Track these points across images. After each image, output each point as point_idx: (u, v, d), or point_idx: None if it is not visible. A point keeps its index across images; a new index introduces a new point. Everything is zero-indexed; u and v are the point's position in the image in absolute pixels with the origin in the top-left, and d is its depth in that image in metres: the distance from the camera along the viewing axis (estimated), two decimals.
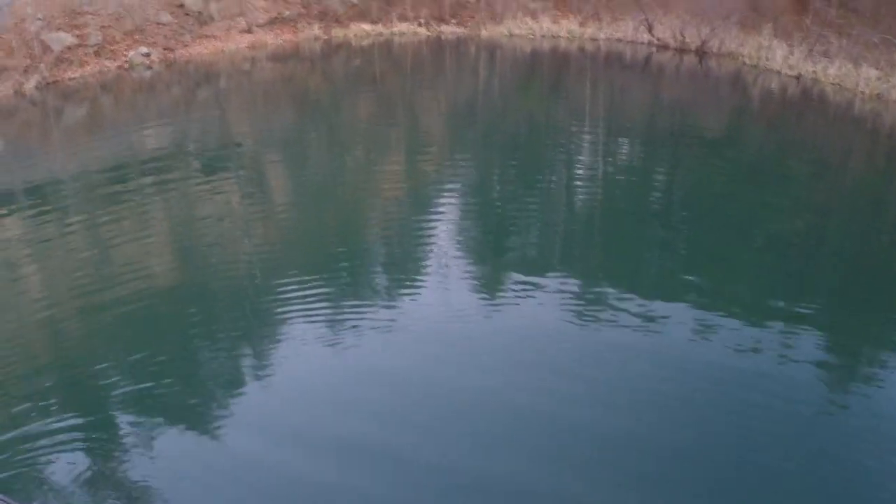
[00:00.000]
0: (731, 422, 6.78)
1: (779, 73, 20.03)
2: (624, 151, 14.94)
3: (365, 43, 25.13)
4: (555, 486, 6.09)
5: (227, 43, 23.75)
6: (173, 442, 6.99)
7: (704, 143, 14.98)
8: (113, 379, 8.02)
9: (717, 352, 7.80)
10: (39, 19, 23.33)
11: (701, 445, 6.53)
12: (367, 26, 25.62)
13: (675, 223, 11.39)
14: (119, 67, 22.08)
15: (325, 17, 25.51)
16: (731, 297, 8.91)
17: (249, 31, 24.43)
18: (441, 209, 12.20)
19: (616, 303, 8.80)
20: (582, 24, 24.90)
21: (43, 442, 6.92)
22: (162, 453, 6.81)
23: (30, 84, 21.08)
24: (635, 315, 8.50)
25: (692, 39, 22.14)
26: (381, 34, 25.55)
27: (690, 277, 9.55)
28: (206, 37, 23.67)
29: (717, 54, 21.69)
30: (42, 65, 21.83)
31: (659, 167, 13.88)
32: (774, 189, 12.00)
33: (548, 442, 6.62)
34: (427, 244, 10.89)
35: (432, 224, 11.58)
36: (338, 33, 25.17)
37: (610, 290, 9.26)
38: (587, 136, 15.71)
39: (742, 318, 8.41)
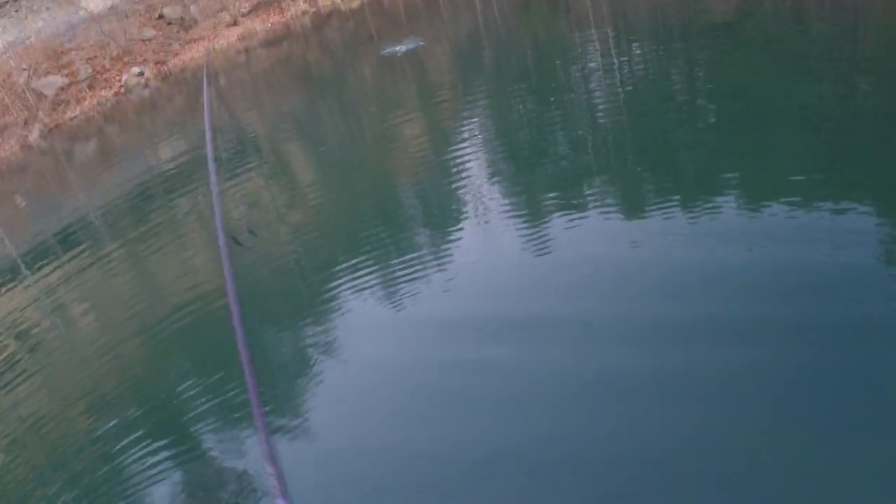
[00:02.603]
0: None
1: None
2: (639, 55, 13.57)
3: (354, 5, 23.89)
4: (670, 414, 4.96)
5: (216, 41, 22.75)
6: (249, 444, 6.40)
7: (718, 27, 13.49)
8: (186, 390, 7.57)
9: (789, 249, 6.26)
10: (25, 69, 22.63)
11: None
12: None
13: (705, 121, 10.04)
14: (116, 94, 21.30)
15: None
16: (783, 189, 7.39)
17: (235, 23, 23.40)
18: (469, 150, 11.13)
19: (664, 216, 7.53)
20: None
21: (133, 470, 6.58)
22: (244, 455, 6.30)
23: (33, 135, 20.45)
24: (687, 225, 7.22)
25: None
26: None
27: (733, 175, 8.10)
28: (194, 40, 22.72)
29: None
30: (40, 112, 21.17)
31: (676, 64, 12.50)
32: (800, 67, 10.47)
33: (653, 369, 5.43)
34: (462, 190, 9.86)
35: (464, 167, 10.53)
36: (325, 2, 23.97)
37: (655, 203, 7.99)
38: (598, 46, 14.39)
39: (798, 209, 6.93)
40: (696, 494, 4.32)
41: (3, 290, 12.57)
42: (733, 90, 10.12)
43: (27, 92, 22.21)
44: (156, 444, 6.88)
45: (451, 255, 8.34)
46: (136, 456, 6.75)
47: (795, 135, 8.22)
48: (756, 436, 4.53)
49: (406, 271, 8.13)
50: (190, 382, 7.70)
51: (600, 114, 10.83)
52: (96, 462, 6.95)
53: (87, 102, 21.25)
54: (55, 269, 12.48)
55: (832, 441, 4.40)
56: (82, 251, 12.70)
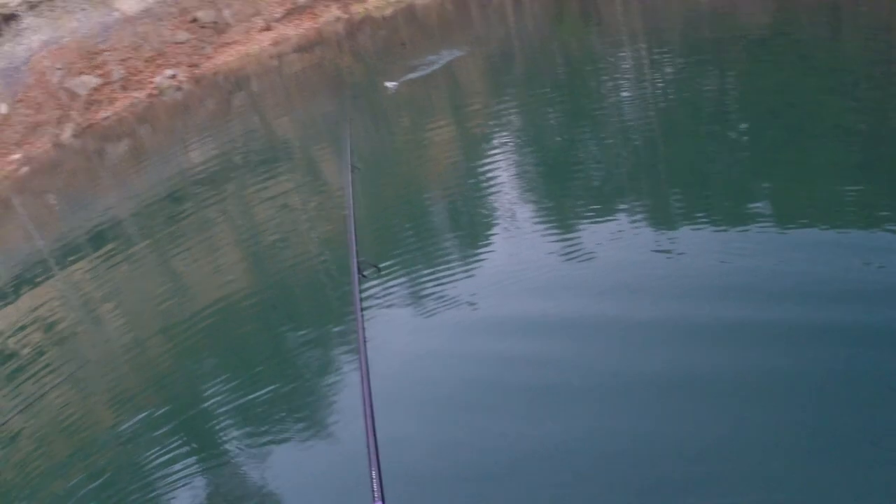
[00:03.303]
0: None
1: None
2: (670, 68, 13.35)
3: (387, 13, 23.90)
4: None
5: (249, 45, 22.83)
6: (283, 447, 6.35)
7: (751, 42, 13.24)
8: (218, 388, 7.43)
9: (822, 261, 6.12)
10: (59, 69, 22.80)
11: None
12: None
13: (736, 134, 9.78)
14: (149, 96, 21.39)
15: None
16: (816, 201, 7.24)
17: (269, 28, 23.46)
18: (500, 157, 10.98)
19: (695, 225, 7.38)
20: None
21: (158, 467, 6.47)
22: (276, 459, 6.19)
23: (66, 134, 20.57)
24: (717, 234, 7.07)
25: None
26: (401, 1, 24.27)
27: (765, 188, 7.90)
28: (227, 44, 22.80)
29: None
30: (73, 112, 21.31)
31: (708, 77, 12.26)
32: (834, 80, 10.21)
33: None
34: (496, 195, 9.72)
35: (501, 175, 10.36)
36: (358, 9, 24.00)
37: (685, 211, 7.84)
38: (630, 56, 14.21)
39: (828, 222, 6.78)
40: (737, 489, 4.35)
41: (33, 286, 12.59)
42: (766, 105, 9.89)
43: (60, 91, 22.38)
44: (182, 443, 6.81)
45: (492, 256, 8.19)
46: (160, 455, 6.67)
47: (828, 150, 8.00)
48: (797, 435, 4.56)
49: (453, 273, 8.00)
50: (218, 380, 7.59)
51: (631, 125, 10.66)
52: (120, 456, 6.91)
53: (119, 103, 21.37)
54: (84, 266, 12.49)
55: (871, 444, 4.34)
56: (111, 249, 12.69)
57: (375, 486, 1.79)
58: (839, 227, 6.50)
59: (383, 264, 8.47)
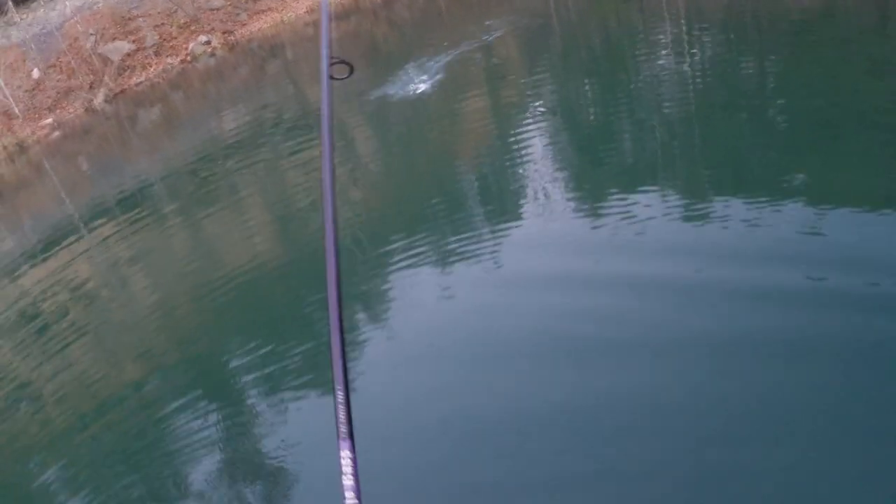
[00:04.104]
0: None
1: None
2: (710, 48, 12.71)
3: None
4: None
5: (284, 12, 22.38)
6: (300, 411, 6.14)
7: (795, 24, 12.53)
8: (240, 355, 7.26)
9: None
10: (92, 34, 22.57)
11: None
12: None
13: (773, 118, 9.27)
14: (182, 62, 21.07)
15: None
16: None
17: None
18: (532, 131, 10.52)
19: (726, 207, 6.98)
20: None
21: (179, 423, 6.37)
22: (293, 421, 6.03)
23: (98, 99, 20.36)
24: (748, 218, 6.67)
25: None
26: None
27: (798, 174, 7.47)
28: (263, 11, 22.39)
29: None
30: (106, 77, 21.09)
31: (748, 59, 11.62)
32: (877, 68, 9.56)
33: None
34: (525, 170, 9.32)
35: (527, 147, 9.95)
36: None
37: (717, 196, 7.44)
38: (669, 38, 13.55)
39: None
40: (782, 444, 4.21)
41: (63, 248, 12.39)
42: (805, 88, 9.35)
43: (93, 56, 22.17)
44: (203, 400, 6.69)
45: (522, 225, 7.87)
46: (179, 412, 6.53)
47: (865, 137, 7.53)
48: (843, 393, 4.42)
49: (483, 236, 7.71)
50: (242, 342, 7.44)
51: (667, 105, 10.15)
52: (139, 413, 6.82)
53: (152, 69, 21.10)
54: (113, 229, 12.27)
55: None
56: (141, 214, 12.47)
57: (343, 426, 1.56)
58: (871, 218, 6.16)
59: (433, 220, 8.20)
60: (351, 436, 1.59)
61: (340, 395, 1.62)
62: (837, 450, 4.06)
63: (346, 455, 1.54)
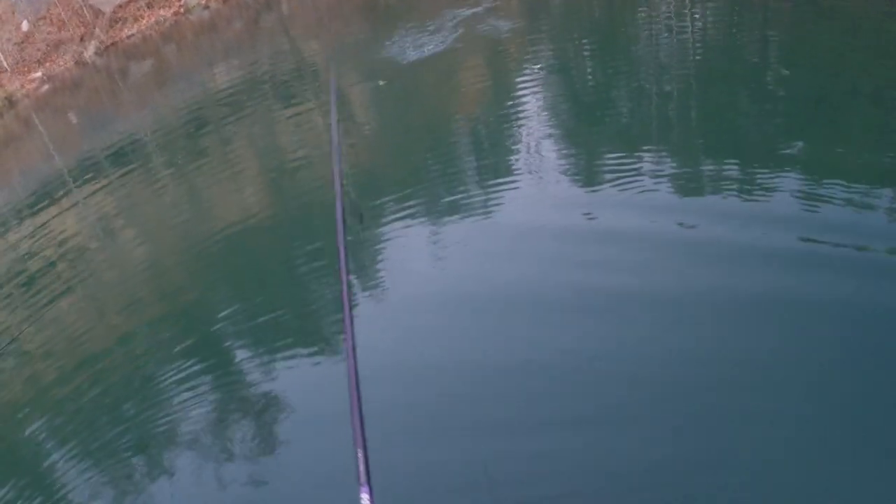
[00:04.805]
0: None
1: None
2: (714, 17, 12.35)
3: None
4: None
5: None
6: (293, 364, 6.10)
7: None
8: (230, 307, 7.22)
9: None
10: None
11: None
12: None
13: (774, 85, 9.04)
14: (175, 14, 20.57)
15: None
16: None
17: None
18: (530, 94, 10.25)
19: (720, 181, 6.84)
20: None
21: (172, 386, 6.23)
22: (283, 375, 5.98)
23: (89, 51, 19.92)
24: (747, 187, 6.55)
25: None
26: None
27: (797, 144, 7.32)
28: None
29: None
30: (97, 29, 20.61)
31: (752, 30, 11.29)
32: (884, 47, 9.26)
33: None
34: (521, 134, 9.09)
35: (524, 111, 9.70)
36: None
37: (713, 165, 7.28)
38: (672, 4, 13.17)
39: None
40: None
41: (51, 203, 12.16)
42: (808, 63, 9.12)
43: (84, 8, 21.64)
44: (188, 357, 6.55)
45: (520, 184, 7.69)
46: (166, 367, 6.46)
47: (865, 114, 7.37)
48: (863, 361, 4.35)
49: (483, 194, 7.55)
50: (232, 301, 7.34)
51: (667, 75, 9.90)
52: (126, 366, 6.76)
53: (144, 21, 20.61)
54: (103, 183, 12.03)
55: None
56: (131, 169, 12.23)
57: (362, 470, 1.63)
58: (868, 195, 5.97)
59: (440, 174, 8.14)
60: (369, 482, 1.68)
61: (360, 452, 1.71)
62: (830, 402, 4.11)
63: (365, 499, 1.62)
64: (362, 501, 1.52)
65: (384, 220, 7.70)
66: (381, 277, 6.81)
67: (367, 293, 6.61)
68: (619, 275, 5.54)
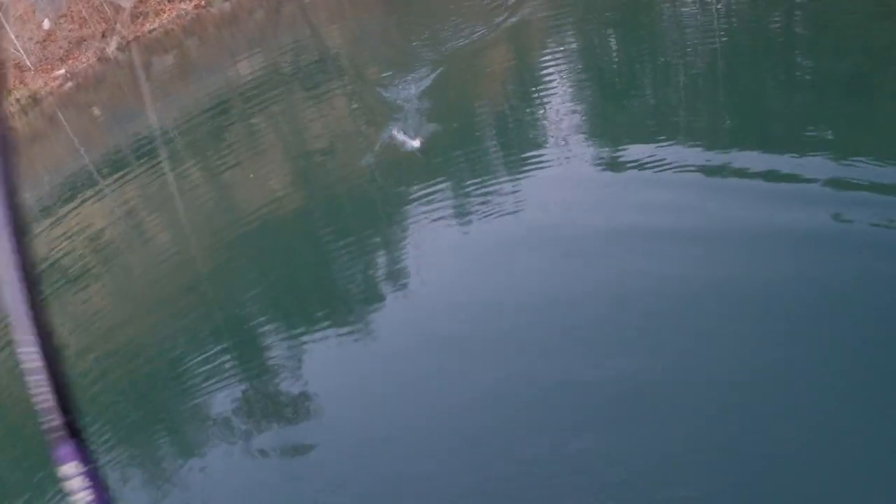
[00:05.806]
0: None
1: None
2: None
3: None
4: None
5: None
6: (317, 350, 6.14)
7: None
8: (255, 296, 7.29)
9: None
10: None
11: None
12: None
13: (798, 75, 8.74)
14: (196, 7, 20.43)
15: None
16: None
17: None
18: (550, 80, 9.97)
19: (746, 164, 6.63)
20: None
21: (198, 369, 6.34)
22: (307, 362, 6.05)
23: (111, 47, 19.84)
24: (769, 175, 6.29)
25: None
26: None
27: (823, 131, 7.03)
28: None
29: None
30: (118, 25, 20.51)
31: (776, 13, 10.91)
32: None
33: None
34: (543, 119, 8.90)
35: (546, 98, 9.46)
36: None
37: (737, 151, 6.98)
38: None
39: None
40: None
41: (78, 199, 12.05)
42: (833, 45, 8.80)
43: (105, 4, 21.55)
44: (218, 346, 6.64)
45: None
46: (194, 355, 6.55)
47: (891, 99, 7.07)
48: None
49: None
50: (254, 286, 7.41)
51: (694, 55, 9.60)
52: (157, 356, 6.86)
53: (166, 15, 20.48)
54: (128, 179, 11.93)
55: None
56: (155, 163, 12.10)
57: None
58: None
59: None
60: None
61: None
62: (850, 384, 4.03)
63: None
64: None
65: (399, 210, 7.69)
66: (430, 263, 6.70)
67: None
68: (644, 263, 5.47)
